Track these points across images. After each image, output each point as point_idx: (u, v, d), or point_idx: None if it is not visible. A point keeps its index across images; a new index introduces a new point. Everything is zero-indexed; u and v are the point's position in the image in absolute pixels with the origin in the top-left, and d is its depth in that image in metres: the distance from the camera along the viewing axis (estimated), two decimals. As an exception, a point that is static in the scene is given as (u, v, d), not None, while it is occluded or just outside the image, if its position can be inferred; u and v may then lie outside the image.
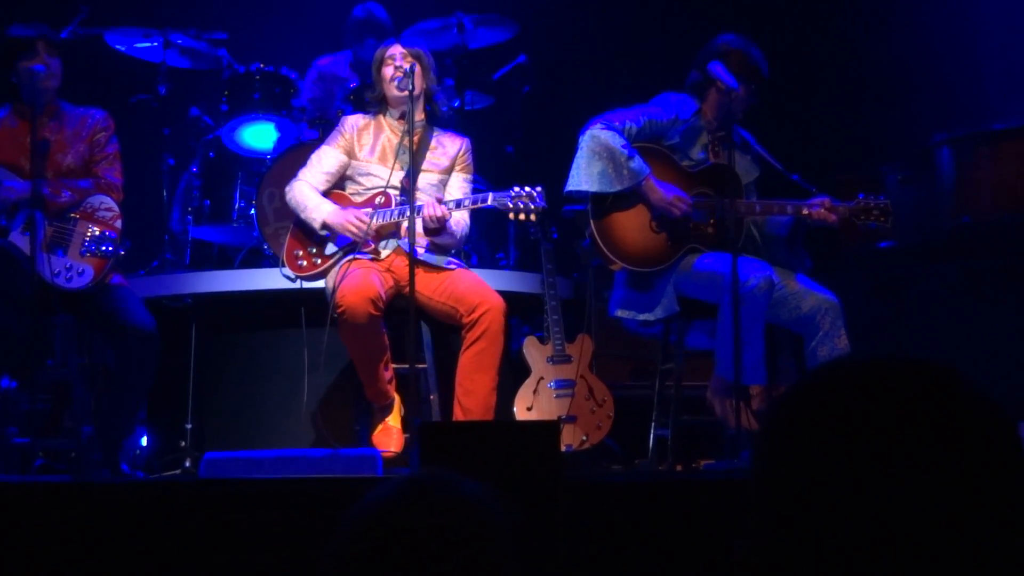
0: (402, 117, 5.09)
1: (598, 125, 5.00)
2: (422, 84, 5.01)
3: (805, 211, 4.96)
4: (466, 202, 4.94)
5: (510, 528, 1.35)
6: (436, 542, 1.30)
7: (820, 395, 1.08)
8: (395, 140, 5.14)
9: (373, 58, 5.22)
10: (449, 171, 5.17)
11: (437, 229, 4.91)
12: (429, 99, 5.14)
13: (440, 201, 4.89)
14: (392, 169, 5.06)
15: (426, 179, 5.09)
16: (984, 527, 1.01)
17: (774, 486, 1.07)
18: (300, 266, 5.07)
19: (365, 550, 1.31)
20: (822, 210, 4.94)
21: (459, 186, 5.18)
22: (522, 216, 4.90)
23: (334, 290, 4.79)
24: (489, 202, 4.89)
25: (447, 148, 5.18)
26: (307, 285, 5.16)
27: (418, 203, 4.89)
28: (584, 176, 4.96)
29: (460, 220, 5.08)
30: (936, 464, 1.01)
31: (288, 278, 5.15)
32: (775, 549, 1.06)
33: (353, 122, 5.22)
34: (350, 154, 5.14)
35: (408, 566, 1.29)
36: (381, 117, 5.21)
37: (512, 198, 4.86)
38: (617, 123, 5.01)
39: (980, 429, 1.04)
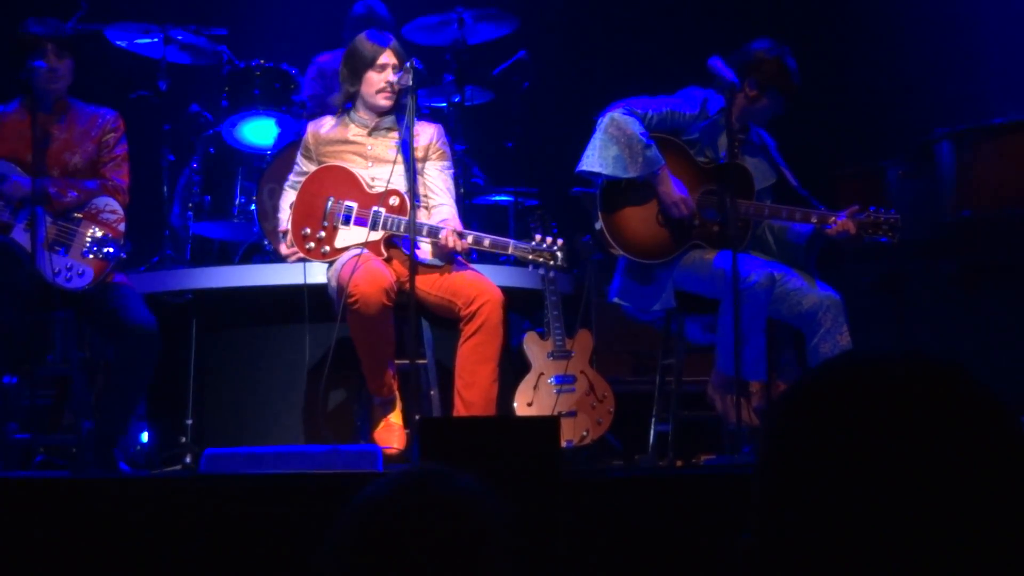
0: (389, 113, 5.06)
1: (619, 110, 4.98)
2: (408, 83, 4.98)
3: (831, 219, 4.93)
4: (486, 242, 4.82)
5: (505, 520, 1.36)
6: (434, 534, 1.31)
7: (827, 390, 1.08)
8: (362, 143, 5.08)
9: (358, 50, 5.06)
10: (424, 160, 5.09)
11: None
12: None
13: (460, 235, 4.79)
14: (372, 169, 5.02)
15: (400, 171, 5.01)
16: (988, 522, 1.01)
17: (780, 481, 1.07)
18: (308, 248, 4.96)
19: (364, 542, 1.32)
20: (840, 224, 4.92)
21: (436, 174, 5.12)
22: (541, 271, 4.84)
23: (340, 283, 4.75)
24: (509, 251, 4.81)
25: (419, 138, 5.09)
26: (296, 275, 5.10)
27: (440, 223, 4.86)
28: (599, 158, 4.94)
29: (452, 220, 5.05)
30: (941, 459, 1.02)
31: (285, 252, 5.03)
32: (781, 544, 1.06)
33: (314, 130, 5.14)
34: (321, 164, 5.10)
35: (407, 558, 1.30)
36: (346, 118, 5.12)
37: (532, 251, 4.79)
38: (639, 110, 4.99)
39: (985, 425, 1.04)
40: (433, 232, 4.82)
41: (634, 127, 4.93)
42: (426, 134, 5.13)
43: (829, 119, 7.04)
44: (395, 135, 5.07)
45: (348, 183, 5.00)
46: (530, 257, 4.79)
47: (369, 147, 5.07)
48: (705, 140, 5.11)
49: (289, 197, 5.13)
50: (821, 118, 7.02)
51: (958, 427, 1.03)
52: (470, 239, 4.81)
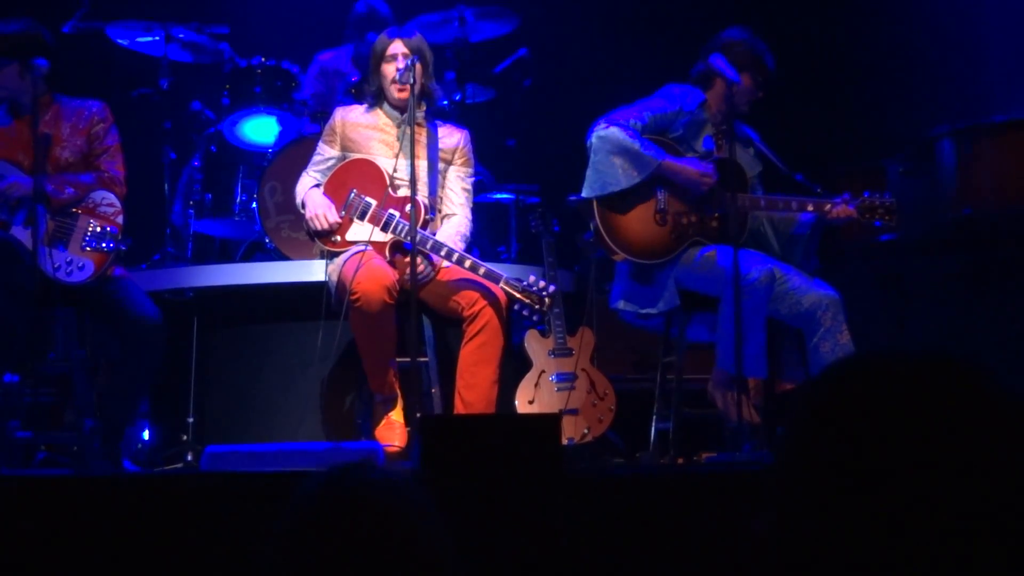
0: (403, 111, 5.08)
1: (602, 125, 4.99)
2: (422, 79, 4.99)
3: (827, 207, 4.95)
4: (481, 271, 4.81)
5: (436, 517, 1.37)
6: (362, 530, 1.33)
7: (852, 387, 1.09)
8: (391, 133, 5.12)
9: (373, 46, 5.15)
10: (448, 164, 5.15)
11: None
12: (427, 94, 5.11)
13: (460, 260, 4.80)
14: (396, 161, 5.03)
15: (422, 166, 5.02)
16: (1011, 519, 1.01)
17: (803, 475, 1.07)
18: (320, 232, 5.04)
19: (298, 545, 1.33)
20: (840, 207, 4.93)
21: (458, 181, 5.15)
22: (525, 312, 4.84)
23: (340, 281, 4.78)
24: (500, 285, 4.80)
25: (445, 141, 5.16)
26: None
27: (434, 234, 4.88)
28: (608, 178, 4.93)
29: (462, 229, 5.06)
30: (965, 457, 1.02)
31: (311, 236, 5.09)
32: (801, 537, 1.06)
33: (343, 115, 5.17)
34: (345, 148, 5.13)
35: (338, 553, 1.31)
36: (378, 108, 5.16)
37: (522, 291, 4.77)
38: (622, 121, 5.00)
39: (1008, 425, 1.05)
40: (436, 249, 4.83)
41: (622, 135, 4.94)
42: (453, 138, 5.18)
43: (830, 116, 7.03)
44: (422, 133, 5.07)
45: (374, 180, 5.03)
46: (518, 296, 4.78)
47: (398, 139, 5.08)
48: (690, 136, 5.12)
49: (305, 182, 5.14)
50: (822, 115, 7.02)
51: (982, 426, 1.04)
52: (468, 264, 4.82)
